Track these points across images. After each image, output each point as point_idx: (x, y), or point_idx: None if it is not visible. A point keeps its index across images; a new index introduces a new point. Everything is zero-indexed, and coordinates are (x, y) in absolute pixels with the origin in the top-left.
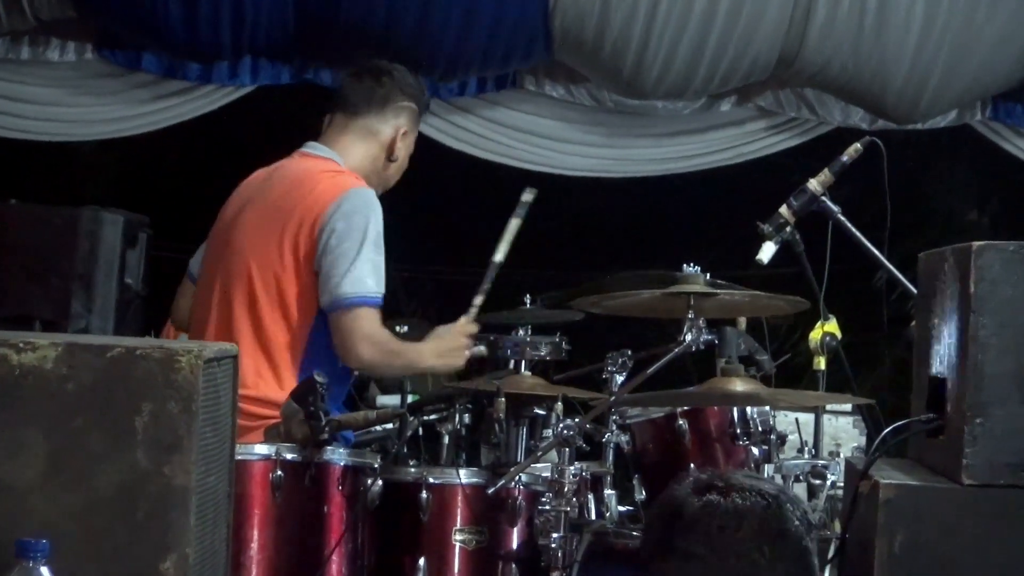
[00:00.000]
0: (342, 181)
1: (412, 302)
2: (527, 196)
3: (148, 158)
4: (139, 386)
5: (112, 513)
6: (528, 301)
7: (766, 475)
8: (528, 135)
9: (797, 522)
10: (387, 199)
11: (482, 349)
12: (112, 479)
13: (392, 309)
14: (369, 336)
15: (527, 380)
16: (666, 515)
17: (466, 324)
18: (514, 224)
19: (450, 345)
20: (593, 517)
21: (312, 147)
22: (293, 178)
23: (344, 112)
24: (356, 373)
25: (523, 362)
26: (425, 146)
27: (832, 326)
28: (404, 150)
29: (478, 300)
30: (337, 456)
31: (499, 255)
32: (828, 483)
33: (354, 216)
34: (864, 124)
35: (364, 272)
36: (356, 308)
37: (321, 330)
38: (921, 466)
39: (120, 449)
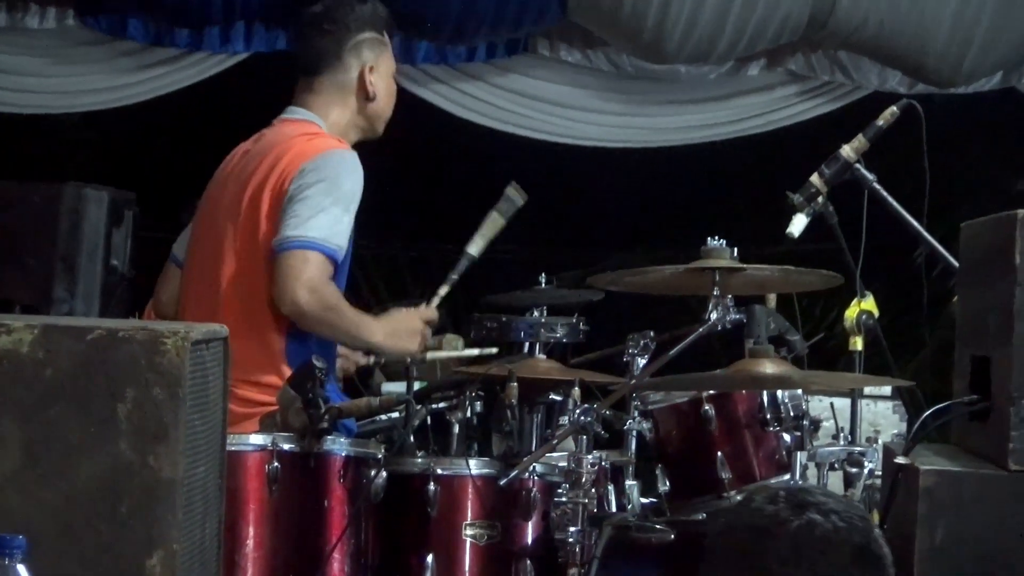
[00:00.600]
0: (319, 143)
1: (418, 284)
2: (516, 196)
3: (134, 131)
4: (121, 371)
5: (93, 508)
6: (543, 280)
7: (799, 463)
8: (542, 103)
9: (886, 548)
10: (392, 175)
11: (492, 350)
12: (93, 471)
13: (399, 290)
14: (310, 281)
15: (542, 364)
16: (757, 535)
17: (426, 310)
18: (495, 219)
19: (404, 327)
20: (613, 509)
21: (292, 112)
22: (271, 147)
23: (305, 75)
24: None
25: (538, 345)
26: (432, 116)
27: (869, 304)
28: (381, 81)
29: (443, 290)
30: (338, 446)
31: (473, 248)
32: (865, 471)
33: (325, 172)
34: (902, 88)
35: (321, 221)
36: (303, 251)
37: None
38: (964, 452)
39: (101, 439)
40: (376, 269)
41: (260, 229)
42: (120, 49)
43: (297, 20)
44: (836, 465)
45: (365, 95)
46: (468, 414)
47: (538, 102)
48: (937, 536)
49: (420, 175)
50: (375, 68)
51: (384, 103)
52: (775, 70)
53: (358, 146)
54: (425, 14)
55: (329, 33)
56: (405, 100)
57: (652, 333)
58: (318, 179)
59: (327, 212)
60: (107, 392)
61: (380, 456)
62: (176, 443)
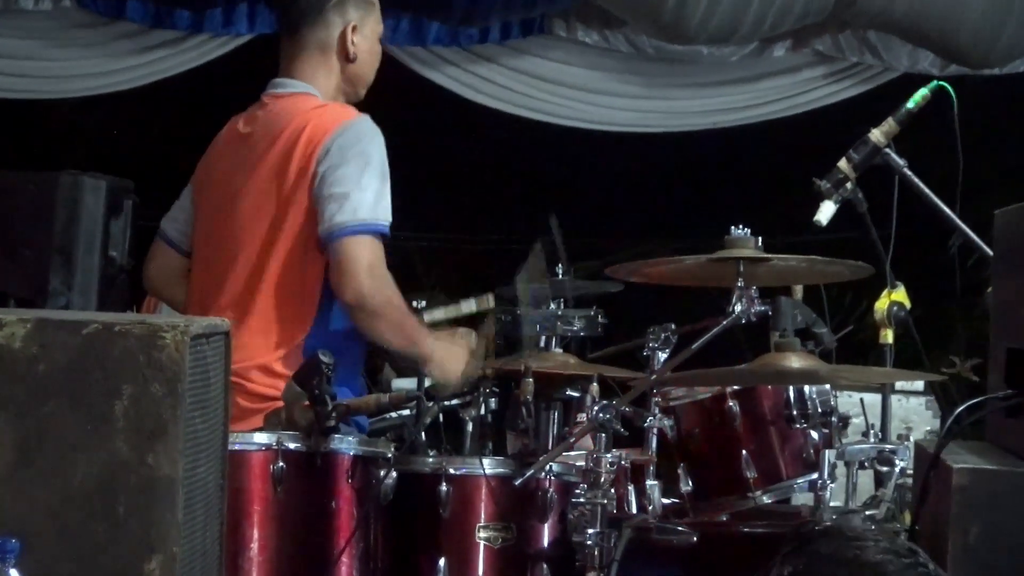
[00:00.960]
0: (330, 115)
1: (431, 274)
2: (487, 303)
3: (133, 117)
4: (118, 366)
5: (90, 508)
6: (560, 271)
7: (827, 462)
8: (558, 86)
9: None
10: (402, 161)
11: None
12: (89, 470)
13: (409, 280)
14: (371, 266)
15: (559, 358)
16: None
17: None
18: (465, 308)
19: (455, 351)
20: (634, 511)
21: (282, 84)
22: (276, 127)
23: (288, 36)
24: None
25: (554, 338)
26: (444, 100)
27: (900, 295)
28: (365, 43)
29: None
30: (346, 445)
31: (434, 314)
32: (897, 470)
33: (351, 147)
34: (935, 70)
35: (366, 199)
36: (356, 236)
37: (331, 298)
38: (999, 449)
39: (98, 437)
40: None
41: (286, 215)
42: (118, 31)
43: None
44: (866, 464)
45: (346, 55)
46: (482, 411)
47: (554, 85)
48: (971, 535)
49: (432, 161)
50: (359, 28)
51: (367, 66)
52: (801, 51)
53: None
54: None
55: None
56: (416, 83)
57: (673, 326)
58: (346, 157)
59: (367, 189)
60: (103, 388)
61: (390, 455)
62: (175, 441)
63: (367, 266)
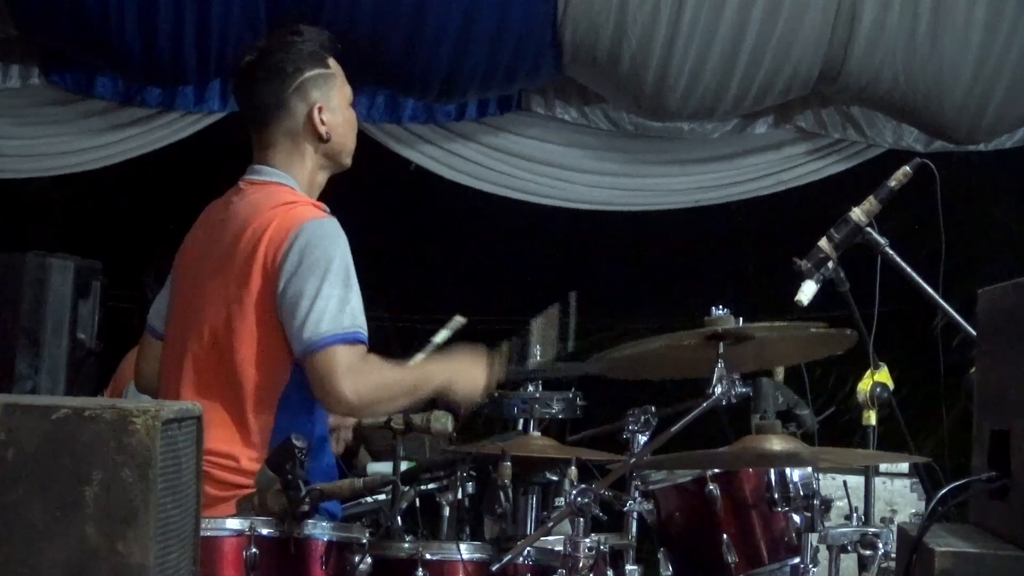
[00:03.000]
0: (294, 215)
1: (408, 355)
2: (457, 323)
3: (102, 197)
4: (88, 452)
5: None
6: (538, 352)
7: (809, 546)
8: (536, 164)
9: None
10: (378, 240)
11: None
12: (58, 558)
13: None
14: (349, 370)
15: (537, 442)
16: None
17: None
18: (439, 339)
19: (470, 363)
20: None
21: (258, 172)
22: (244, 218)
23: (255, 128)
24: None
25: (532, 421)
26: (421, 178)
27: (884, 375)
28: (335, 116)
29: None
30: (320, 530)
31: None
32: (880, 553)
33: (309, 252)
34: (919, 146)
35: (329, 308)
36: (327, 349)
37: (297, 387)
38: (983, 532)
39: (67, 523)
40: None
41: (249, 312)
42: (88, 109)
43: (234, 74)
44: (849, 547)
45: (319, 137)
46: (459, 495)
47: (532, 163)
48: None
49: (407, 240)
50: (325, 106)
51: (344, 137)
52: (783, 127)
53: (337, 198)
54: (412, 69)
55: (266, 81)
56: (391, 161)
57: (653, 408)
58: (305, 265)
59: (330, 299)
60: (73, 474)
61: (365, 540)
62: (146, 527)
63: (345, 371)
